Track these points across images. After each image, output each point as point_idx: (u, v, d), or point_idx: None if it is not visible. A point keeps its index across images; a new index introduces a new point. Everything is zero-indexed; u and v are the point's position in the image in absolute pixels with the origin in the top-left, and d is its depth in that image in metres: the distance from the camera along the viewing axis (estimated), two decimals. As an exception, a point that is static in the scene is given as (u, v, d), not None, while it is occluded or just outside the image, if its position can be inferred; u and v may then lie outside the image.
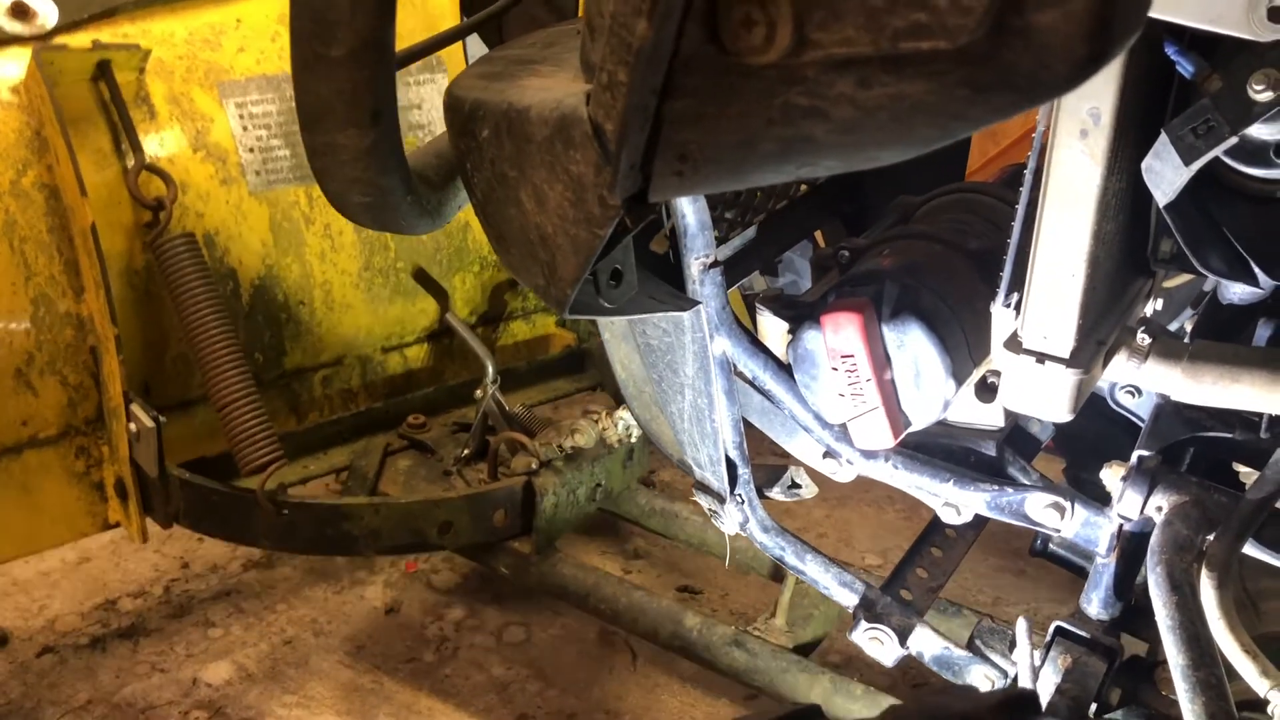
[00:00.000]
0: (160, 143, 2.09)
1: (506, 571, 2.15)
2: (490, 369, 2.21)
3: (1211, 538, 1.23)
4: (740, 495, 1.50)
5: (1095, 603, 1.43)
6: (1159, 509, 1.29)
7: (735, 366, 1.43)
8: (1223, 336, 1.37)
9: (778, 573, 2.15)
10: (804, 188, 1.70)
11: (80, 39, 2.00)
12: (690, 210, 1.30)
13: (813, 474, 1.55)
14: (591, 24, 0.80)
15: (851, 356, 1.29)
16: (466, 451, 2.23)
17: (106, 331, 1.89)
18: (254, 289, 2.21)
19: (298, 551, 2.23)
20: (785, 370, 1.42)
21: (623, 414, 2.20)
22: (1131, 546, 1.37)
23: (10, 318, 1.91)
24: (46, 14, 1.98)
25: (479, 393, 2.22)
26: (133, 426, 1.90)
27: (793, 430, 1.48)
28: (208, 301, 1.98)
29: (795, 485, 1.55)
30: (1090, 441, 1.82)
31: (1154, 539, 1.25)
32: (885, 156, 0.66)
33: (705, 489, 1.52)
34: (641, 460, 2.30)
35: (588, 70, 0.85)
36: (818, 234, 1.89)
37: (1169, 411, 1.36)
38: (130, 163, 2.02)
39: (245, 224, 2.18)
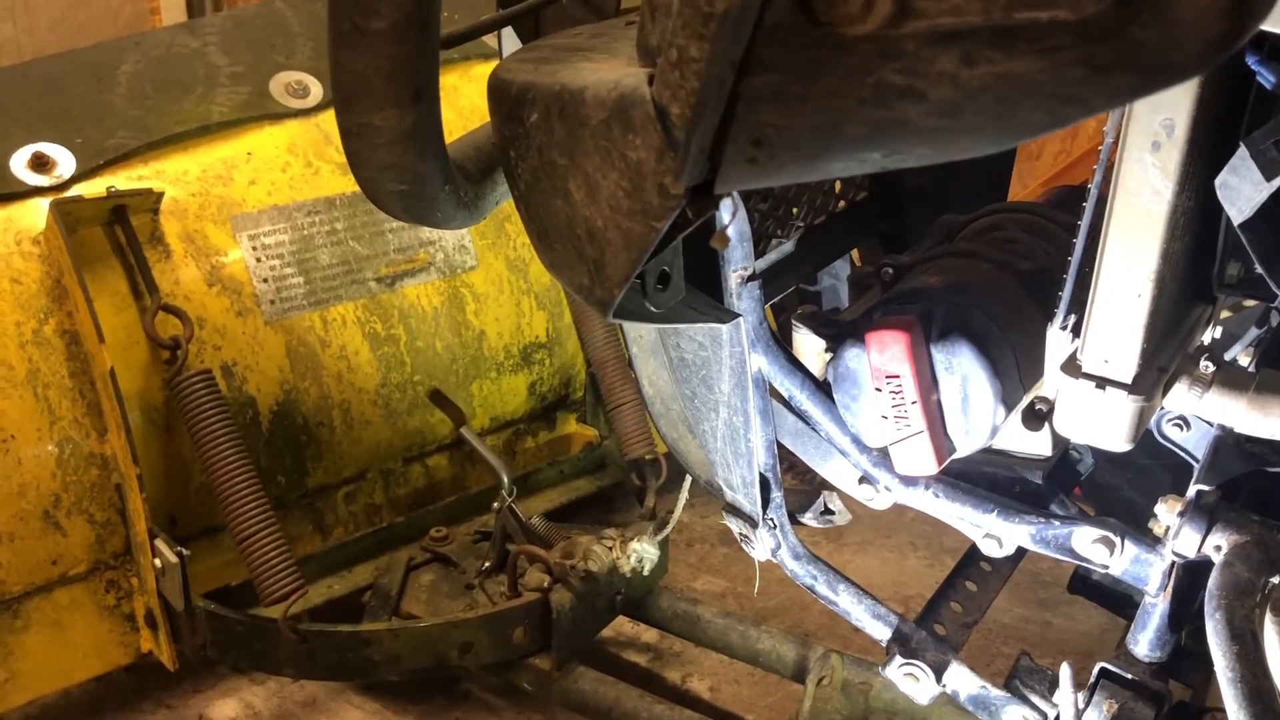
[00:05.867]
0: (176, 280, 2.11)
1: (529, 688, 2.12)
2: (505, 480, 2.17)
3: (1275, 581, 1.16)
4: (772, 520, 1.43)
5: (1143, 644, 1.36)
6: (1217, 548, 1.22)
7: (770, 385, 1.36)
8: (1290, 367, 1.31)
9: (799, 673, 2.08)
10: (842, 204, 1.64)
11: (96, 185, 2.07)
12: (729, 220, 1.24)
13: (845, 496, 1.49)
14: (653, 4, 0.74)
15: (897, 377, 1.22)
16: (487, 564, 2.20)
17: (129, 471, 1.92)
18: (273, 414, 2.21)
19: (321, 679, 2.21)
20: (823, 390, 1.35)
21: (636, 545, 2.16)
22: (1184, 586, 1.30)
23: (37, 462, 1.95)
24: (64, 164, 2.09)
25: (496, 504, 2.19)
26: (157, 562, 1.93)
27: (828, 453, 1.41)
28: (226, 436, 1.99)
29: (829, 511, 1.49)
30: (1121, 495, 1.78)
31: (1212, 581, 1.19)
32: (982, 146, 0.60)
33: (736, 512, 1.45)
34: (663, 564, 2.28)
35: (645, 56, 0.79)
36: (853, 253, 1.83)
37: (1229, 445, 1.29)
38: (147, 303, 2.05)
39: (262, 353, 2.19)
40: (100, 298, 1.98)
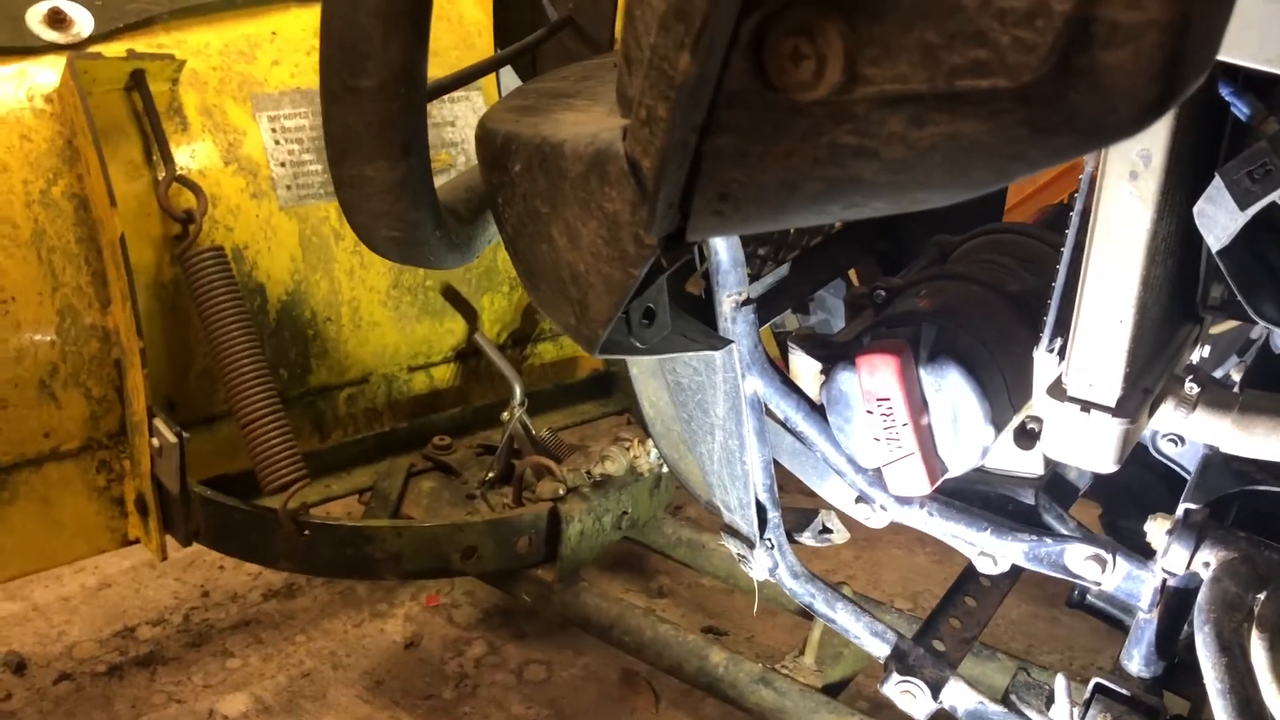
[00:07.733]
0: (191, 155, 2.07)
1: (529, 599, 2.10)
2: (518, 391, 2.17)
3: (1262, 596, 1.18)
4: (770, 540, 1.46)
5: (1137, 659, 1.38)
6: (1206, 565, 1.24)
7: (767, 407, 1.39)
8: (1274, 387, 1.33)
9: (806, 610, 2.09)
10: (838, 225, 1.67)
11: (115, 48, 1.99)
12: (723, 246, 1.27)
13: (843, 515, 1.51)
14: (629, 56, 0.77)
15: (887, 400, 1.25)
16: (491, 475, 2.18)
17: (132, 345, 1.85)
18: (281, 305, 2.17)
19: (317, 574, 2.18)
20: (818, 412, 1.38)
21: None
22: (1176, 602, 1.32)
23: (36, 328, 1.87)
24: (82, 22, 1.99)
25: (505, 415, 2.17)
26: (155, 442, 1.86)
27: (825, 473, 1.44)
28: (235, 317, 1.94)
29: (826, 530, 1.51)
30: (1129, 490, 1.78)
31: (1201, 596, 1.21)
32: (936, 199, 0.63)
33: (734, 533, 1.48)
34: (668, 488, 2.25)
35: (624, 104, 0.83)
36: (851, 272, 1.85)
37: (1217, 463, 1.31)
38: (161, 174, 1.99)
39: (274, 239, 2.15)
40: (112, 164, 1.89)
